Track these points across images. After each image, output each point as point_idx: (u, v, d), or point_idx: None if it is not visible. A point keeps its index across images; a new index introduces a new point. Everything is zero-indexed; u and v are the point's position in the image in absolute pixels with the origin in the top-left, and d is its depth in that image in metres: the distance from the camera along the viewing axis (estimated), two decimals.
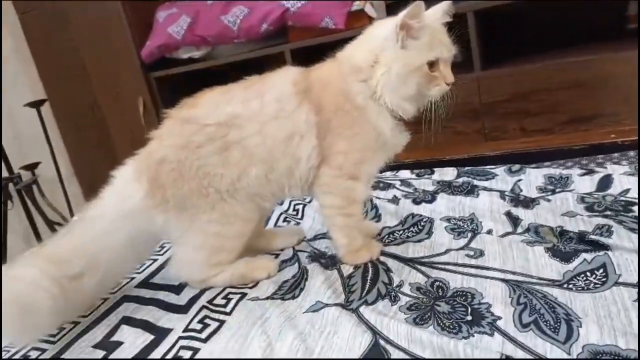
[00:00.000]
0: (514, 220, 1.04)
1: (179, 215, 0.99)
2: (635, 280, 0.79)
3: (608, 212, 1.00)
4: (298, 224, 1.25)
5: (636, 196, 1.04)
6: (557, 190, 1.13)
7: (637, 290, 0.77)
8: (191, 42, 2.28)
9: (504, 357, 0.69)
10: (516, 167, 1.27)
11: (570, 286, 0.82)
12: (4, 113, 2.51)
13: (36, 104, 2.43)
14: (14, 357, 0.93)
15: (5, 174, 2.38)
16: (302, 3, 2.04)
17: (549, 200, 1.09)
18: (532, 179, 1.20)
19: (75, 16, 2.40)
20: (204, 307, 0.97)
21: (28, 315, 0.87)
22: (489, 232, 1.02)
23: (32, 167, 2.44)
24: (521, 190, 1.17)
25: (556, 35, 1.92)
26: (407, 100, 0.95)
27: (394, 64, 0.92)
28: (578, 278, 0.84)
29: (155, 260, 1.20)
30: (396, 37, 0.91)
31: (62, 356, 0.91)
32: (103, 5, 2.32)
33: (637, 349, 0.67)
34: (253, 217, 1.04)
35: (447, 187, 1.25)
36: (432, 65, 0.92)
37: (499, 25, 2.01)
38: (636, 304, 0.74)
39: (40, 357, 0.92)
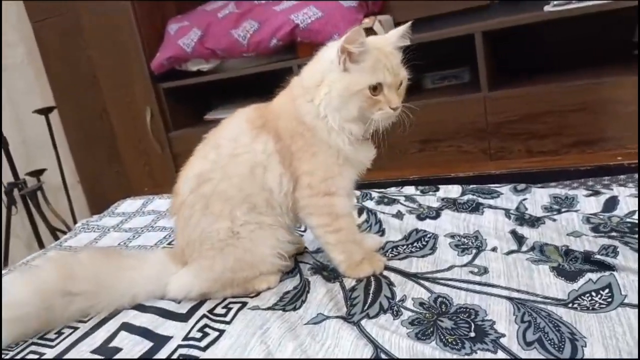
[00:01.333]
0: (519, 239, 1.03)
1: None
2: None
3: (614, 233, 0.99)
4: (302, 235, 1.24)
5: None
6: (563, 210, 1.13)
7: None
8: (201, 54, 2.30)
9: None
10: (522, 186, 1.26)
11: (575, 306, 0.81)
12: (13, 119, 2.53)
13: (45, 111, 2.45)
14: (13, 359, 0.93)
15: (10, 179, 2.39)
16: (312, 20, 2.07)
17: (554, 220, 1.08)
18: (538, 198, 1.20)
19: (88, 26, 2.43)
20: (204, 316, 0.96)
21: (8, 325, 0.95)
22: (494, 249, 1.02)
23: (37, 173, 2.45)
24: (526, 209, 1.16)
25: (565, 58, 1.93)
26: (350, 122, 0.96)
27: (335, 85, 0.93)
28: (583, 298, 0.83)
29: None
30: (338, 59, 0.92)
31: None
32: (116, 15, 2.35)
33: None
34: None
35: (452, 204, 1.25)
36: (375, 89, 0.92)
37: (507, 46, 2.03)
38: None
39: None
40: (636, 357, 0.68)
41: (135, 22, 2.34)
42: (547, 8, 1.72)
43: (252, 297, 1.01)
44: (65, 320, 1.02)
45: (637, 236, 0.96)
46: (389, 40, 0.96)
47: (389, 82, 0.93)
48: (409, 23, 0.98)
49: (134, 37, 2.35)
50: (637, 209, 1.06)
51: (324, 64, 0.97)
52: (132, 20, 2.33)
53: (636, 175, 1.21)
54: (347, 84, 0.92)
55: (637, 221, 1.02)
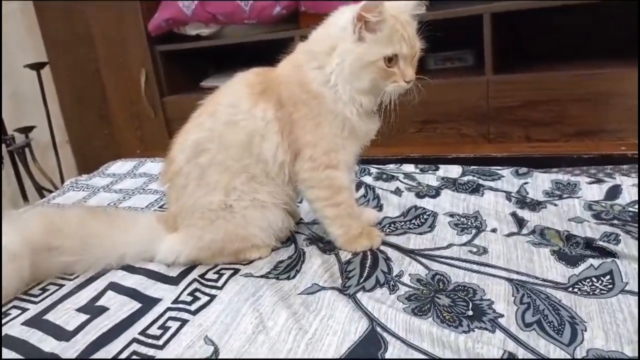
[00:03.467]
0: (520, 221, 1.02)
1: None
2: None
3: (616, 221, 0.98)
4: (298, 206, 1.22)
5: None
6: (564, 196, 1.11)
7: None
8: (201, 18, 2.24)
9: (506, 354, 0.67)
10: (523, 169, 1.25)
11: (575, 290, 0.80)
12: (4, 72, 2.45)
13: (37, 66, 2.37)
14: None
15: None
16: None
17: (555, 205, 1.07)
18: (539, 182, 1.18)
19: None
20: (195, 280, 0.94)
21: None
22: (494, 230, 1.00)
23: (26, 130, 2.38)
24: (527, 193, 1.14)
25: (571, 46, 1.90)
26: (361, 94, 0.92)
27: (348, 55, 0.89)
28: (583, 282, 0.81)
29: None
30: (353, 28, 0.87)
31: (44, 317, 0.87)
32: None
33: None
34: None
35: (452, 184, 1.23)
36: (390, 60, 0.88)
37: (515, 30, 1.99)
38: None
39: (21, 315, 0.88)
40: (637, 344, 0.67)
41: None
42: None
43: (244, 264, 0.99)
44: (48, 275, 0.99)
45: (638, 225, 0.95)
46: (405, 8, 0.91)
47: (405, 54, 0.89)
48: None
49: None
50: (638, 198, 1.05)
51: (335, 30, 0.92)
52: None
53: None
54: (361, 54, 0.88)
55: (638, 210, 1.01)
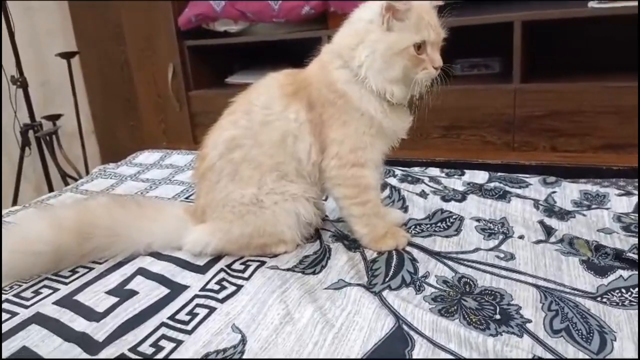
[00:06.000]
0: (548, 230, 1.01)
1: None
2: None
3: None
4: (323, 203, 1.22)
5: None
6: (593, 206, 1.10)
7: None
8: (230, 15, 2.26)
9: (536, 357, 0.67)
10: (551, 178, 1.24)
11: (604, 300, 0.79)
12: (35, 60, 2.51)
13: (67, 55, 2.42)
14: (22, 294, 0.92)
15: (27, 120, 2.37)
16: None
17: (584, 215, 1.06)
18: (568, 192, 1.17)
19: None
20: (222, 270, 0.96)
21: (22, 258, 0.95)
22: (521, 237, 1.00)
23: (54, 118, 2.43)
24: (555, 202, 1.14)
25: (601, 58, 1.88)
26: (393, 83, 0.93)
27: (380, 45, 0.90)
28: (613, 293, 0.81)
29: None
30: (382, 19, 0.89)
31: (75, 297, 0.89)
32: None
33: None
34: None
35: (478, 189, 1.22)
36: (419, 48, 0.90)
37: (543, 39, 1.98)
38: None
39: (52, 295, 0.90)
40: None
41: None
42: (591, 4, 1.67)
43: (270, 257, 1.00)
44: (79, 261, 1.01)
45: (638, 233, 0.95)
46: None
47: (433, 40, 0.91)
48: None
49: None
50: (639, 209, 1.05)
51: (360, 24, 0.94)
52: None
53: None
54: (391, 42, 0.90)
55: None
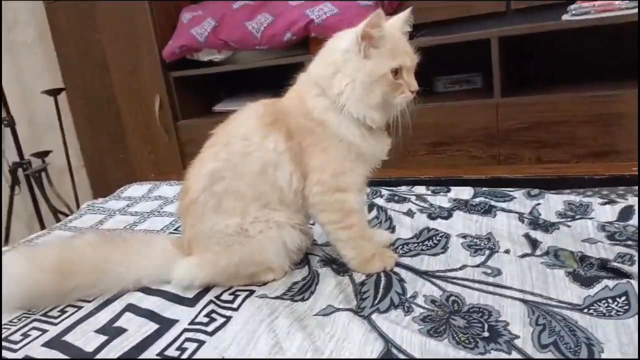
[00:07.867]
0: (533, 243, 1.02)
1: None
2: None
3: (629, 242, 0.98)
4: (311, 228, 1.23)
5: None
6: (577, 217, 1.11)
7: None
8: (213, 45, 2.29)
9: None
10: (535, 191, 1.25)
11: (591, 311, 0.80)
12: (21, 98, 2.52)
13: (54, 92, 2.44)
14: (11, 337, 0.91)
15: (15, 158, 2.38)
16: (327, 16, 2.06)
17: (568, 226, 1.07)
18: (552, 204, 1.18)
19: (101, 9, 2.42)
20: (211, 301, 0.95)
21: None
22: (507, 252, 1.00)
23: (42, 154, 2.44)
24: (540, 214, 1.15)
25: (580, 69, 1.92)
26: (373, 109, 0.95)
27: (359, 73, 0.92)
28: (599, 304, 0.81)
29: None
30: (358, 47, 0.91)
31: (64, 338, 0.88)
32: (130, 0, 2.34)
33: None
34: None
35: (464, 205, 1.23)
36: (395, 73, 0.92)
37: (521, 53, 2.02)
38: None
39: (41, 337, 0.90)
40: None
41: (149, 8, 2.32)
42: (565, 17, 1.72)
43: (259, 286, 1.00)
44: (61, 300, 1.00)
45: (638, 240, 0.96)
46: (396, 26, 0.96)
47: (408, 65, 0.93)
48: (410, 8, 0.98)
49: (147, 23, 2.34)
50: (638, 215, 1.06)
51: (336, 55, 0.96)
52: (145, 6, 2.32)
53: None
54: (370, 69, 0.92)
55: None
